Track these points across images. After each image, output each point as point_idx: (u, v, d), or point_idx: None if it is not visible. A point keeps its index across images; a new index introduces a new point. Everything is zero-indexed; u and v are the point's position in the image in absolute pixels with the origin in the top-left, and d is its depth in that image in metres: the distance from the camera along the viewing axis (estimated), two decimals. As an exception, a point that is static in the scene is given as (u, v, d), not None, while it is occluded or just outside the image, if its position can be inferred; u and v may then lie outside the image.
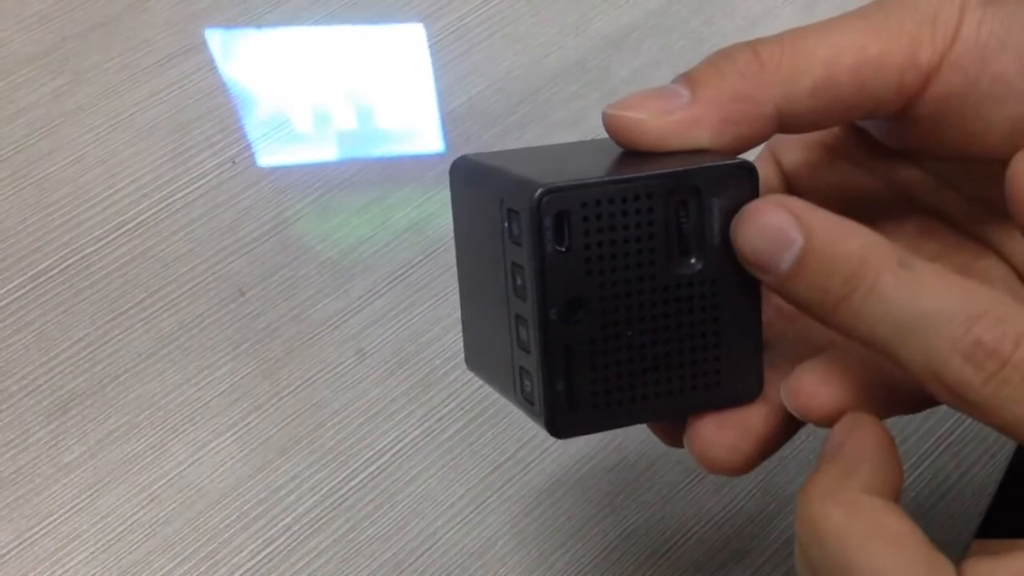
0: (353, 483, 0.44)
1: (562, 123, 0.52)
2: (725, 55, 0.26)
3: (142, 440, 0.44)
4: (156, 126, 0.50)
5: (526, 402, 0.26)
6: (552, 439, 0.46)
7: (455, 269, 0.48)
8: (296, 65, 0.51)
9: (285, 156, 0.48)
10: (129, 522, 0.42)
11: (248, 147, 0.50)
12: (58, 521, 0.42)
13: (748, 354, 0.27)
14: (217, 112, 0.50)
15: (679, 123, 0.25)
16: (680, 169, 0.24)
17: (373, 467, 0.44)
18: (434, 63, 0.53)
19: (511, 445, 0.46)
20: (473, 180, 0.28)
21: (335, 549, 0.43)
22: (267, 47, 0.50)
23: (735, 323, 0.26)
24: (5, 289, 0.45)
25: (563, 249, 0.24)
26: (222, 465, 0.44)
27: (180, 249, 0.47)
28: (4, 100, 0.50)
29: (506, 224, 0.25)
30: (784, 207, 0.24)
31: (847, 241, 0.23)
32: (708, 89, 0.26)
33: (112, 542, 0.42)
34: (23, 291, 0.45)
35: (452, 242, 0.49)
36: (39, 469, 0.43)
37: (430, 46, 0.54)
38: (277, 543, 0.43)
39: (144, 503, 0.43)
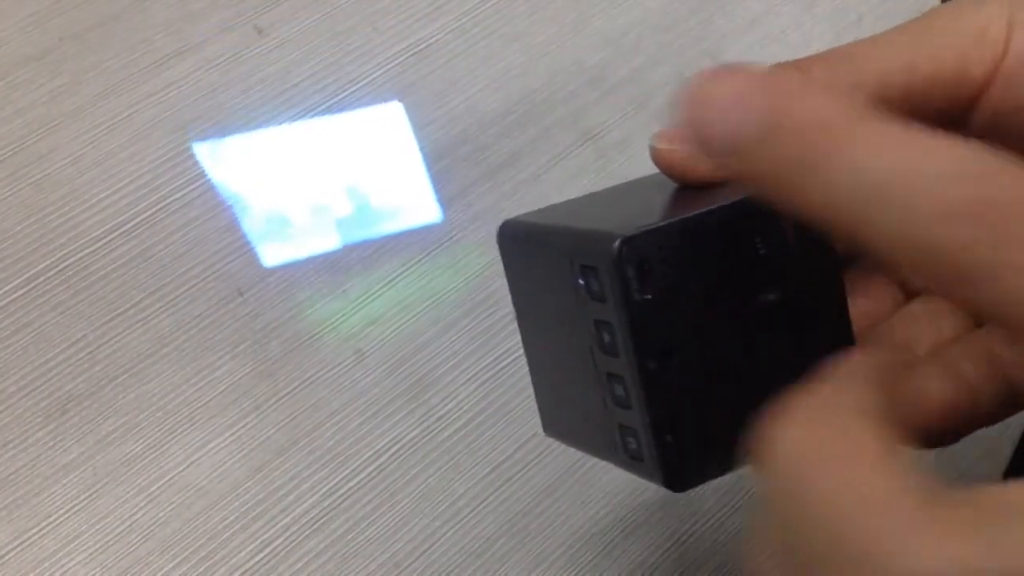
0: (352, 483, 0.44)
1: (561, 122, 0.52)
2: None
3: (141, 441, 0.44)
4: (154, 126, 0.50)
5: (633, 460, 0.25)
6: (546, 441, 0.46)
7: (453, 268, 0.48)
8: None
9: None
10: (128, 523, 0.42)
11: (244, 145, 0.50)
12: (57, 522, 0.42)
13: None
14: (214, 113, 0.50)
15: None
16: (747, 196, 0.24)
17: (372, 467, 0.44)
18: (431, 65, 0.53)
19: (510, 445, 0.46)
20: (530, 243, 0.27)
21: (334, 549, 0.43)
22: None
23: (828, 339, 0.25)
24: (3, 290, 0.45)
25: (649, 296, 0.23)
26: (221, 466, 0.44)
27: (178, 250, 0.47)
28: (2, 101, 0.49)
29: (581, 282, 0.24)
30: (731, 76, 0.20)
31: (802, 101, 0.19)
32: None
33: (111, 543, 0.42)
34: (21, 292, 0.45)
35: (451, 241, 0.49)
36: (38, 470, 0.43)
37: (427, 47, 0.53)
38: (276, 544, 0.43)
39: (143, 504, 0.43)
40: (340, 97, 0.51)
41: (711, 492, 0.46)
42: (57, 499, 0.42)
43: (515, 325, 0.48)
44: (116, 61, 0.51)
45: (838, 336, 0.25)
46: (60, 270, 0.46)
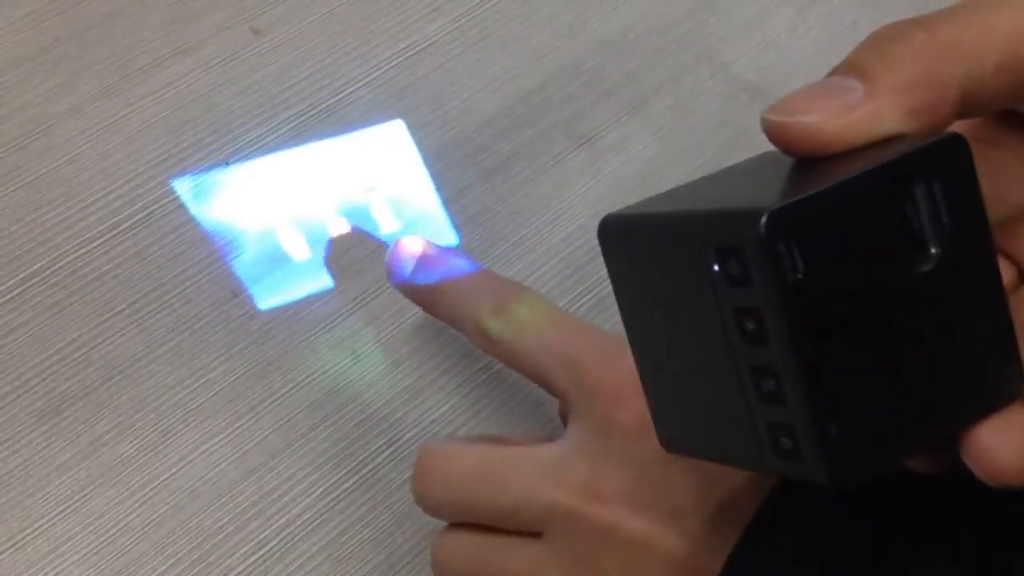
0: (347, 485, 0.44)
1: (558, 124, 0.52)
2: (894, 37, 0.24)
3: (135, 442, 0.44)
4: (150, 127, 0.49)
5: (787, 462, 0.22)
6: (546, 441, 0.46)
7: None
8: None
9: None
10: (122, 524, 0.42)
11: (241, 148, 0.50)
12: (50, 523, 0.42)
13: (1003, 346, 0.24)
14: (211, 113, 0.50)
15: (860, 121, 0.23)
16: (895, 158, 0.22)
17: (367, 469, 0.44)
18: (428, 67, 0.53)
19: (505, 447, 0.46)
20: (644, 234, 0.24)
21: (329, 551, 0.43)
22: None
23: (985, 314, 0.23)
24: (-2, 290, 0.45)
25: (801, 275, 0.21)
26: (215, 467, 0.44)
27: (174, 250, 0.47)
28: (-3, 101, 0.49)
29: (716, 267, 0.22)
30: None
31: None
32: (885, 78, 0.23)
33: (104, 544, 0.42)
34: (16, 292, 0.45)
35: (448, 242, 0.49)
36: (31, 471, 0.43)
37: (423, 49, 0.54)
38: (270, 545, 0.43)
39: (137, 505, 0.43)
40: (337, 98, 0.51)
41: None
42: (50, 500, 0.42)
43: (510, 327, 0.48)
44: (112, 61, 0.51)
45: (992, 307, 0.23)
46: (55, 270, 0.46)
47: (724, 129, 0.53)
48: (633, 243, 0.25)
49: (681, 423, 0.26)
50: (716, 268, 0.22)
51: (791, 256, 0.21)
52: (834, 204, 0.21)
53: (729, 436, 0.24)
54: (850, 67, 0.24)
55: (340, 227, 0.49)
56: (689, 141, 0.53)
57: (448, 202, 0.50)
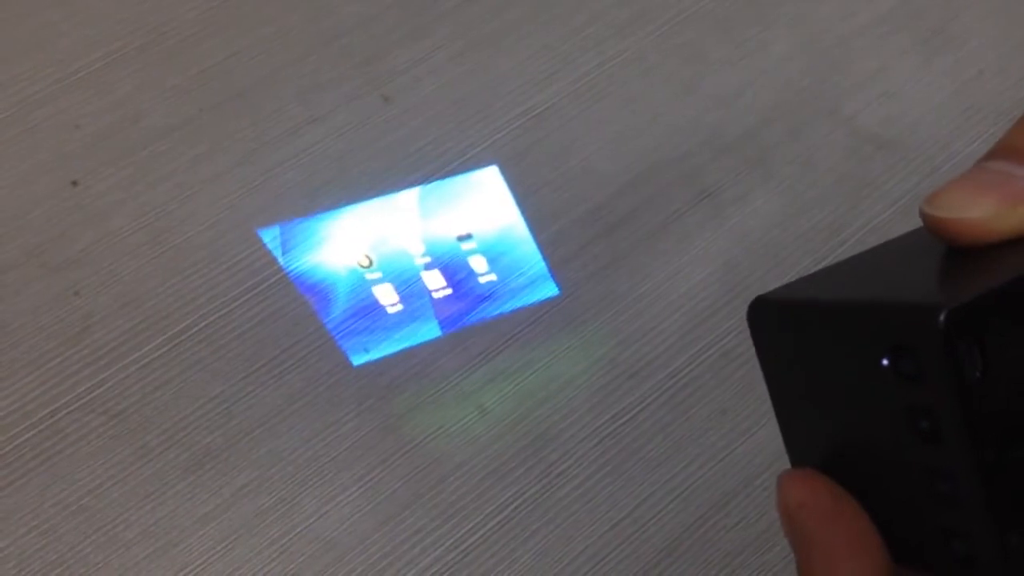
0: (474, 538, 0.45)
1: (677, 180, 0.53)
2: None
3: (273, 493, 0.45)
4: (287, 192, 0.52)
5: (960, 566, 0.21)
6: (671, 496, 0.46)
7: (571, 326, 0.49)
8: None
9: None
10: (260, 574, 0.44)
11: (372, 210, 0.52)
12: (195, 572, 0.44)
13: None
14: (343, 178, 0.52)
15: None
16: None
17: (494, 522, 0.45)
18: (548, 128, 0.54)
19: (629, 503, 0.46)
20: (801, 322, 0.23)
21: (458, 604, 0.44)
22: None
23: None
24: (147, 348, 0.48)
25: (980, 374, 0.20)
26: (349, 519, 0.45)
27: (310, 309, 0.49)
28: (146, 169, 0.53)
29: (886, 362, 0.20)
30: None
31: None
32: None
33: (245, 593, 0.44)
34: (164, 350, 0.48)
35: (569, 298, 0.50)
36: (176, 521, 0.45)
37: (544, 111, 0.55)
38: (402, 596, 0.44)
39: (275, 555, 0.44)
40: (461, 160, 0.53)
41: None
42: (195, 550, 0.44)
43: (632, 383, 0.49)
44: (252, 130, 0.54)
45: None
46: (200, 328, 0.48)
47: (847, 181, 0.53)
48: (789, 329, 0.23)
49: None
50: (886, 363, 0.21)
51: (971, 355, 0.19)
52: (1014, 300, 0.20)
53: (893, 535, 0.23)
54: (1009, 152, 0.22)
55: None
56: (812, 194, 0.53)
57: (568, 259, 0.51)
